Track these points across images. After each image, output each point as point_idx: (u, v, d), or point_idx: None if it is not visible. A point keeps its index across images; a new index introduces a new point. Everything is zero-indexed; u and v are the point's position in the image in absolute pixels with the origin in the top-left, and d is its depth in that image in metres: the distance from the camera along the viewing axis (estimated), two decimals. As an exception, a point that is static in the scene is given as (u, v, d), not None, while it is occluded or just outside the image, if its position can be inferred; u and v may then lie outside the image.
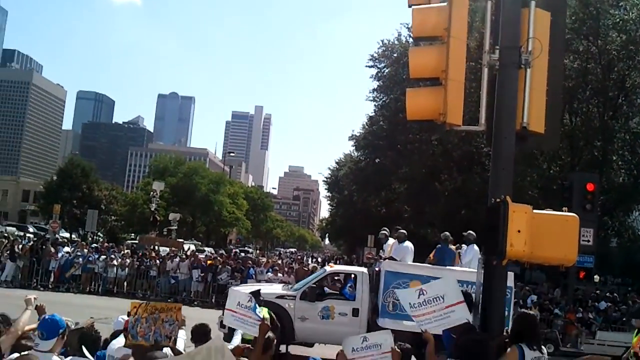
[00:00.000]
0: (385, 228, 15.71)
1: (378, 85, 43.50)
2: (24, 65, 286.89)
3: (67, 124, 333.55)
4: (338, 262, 44.40)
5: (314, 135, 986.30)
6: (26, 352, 4.93)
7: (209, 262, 26.10)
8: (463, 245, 14.10)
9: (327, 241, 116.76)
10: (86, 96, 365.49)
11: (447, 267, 12.93)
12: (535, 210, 5.52)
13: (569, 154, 32.46)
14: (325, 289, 14.28)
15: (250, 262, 27.27)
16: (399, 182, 40.39)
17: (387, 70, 42.23)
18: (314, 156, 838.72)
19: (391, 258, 13.93)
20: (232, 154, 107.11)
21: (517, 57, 6.17)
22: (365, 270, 14.18)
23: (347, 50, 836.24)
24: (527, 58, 6.18)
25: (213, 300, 23.82)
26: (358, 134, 48.59)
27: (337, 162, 62.86)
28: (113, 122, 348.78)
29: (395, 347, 5.24)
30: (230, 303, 5.88)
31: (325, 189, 66.89)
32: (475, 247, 13.55)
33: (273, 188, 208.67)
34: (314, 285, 13.87)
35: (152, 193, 42.40)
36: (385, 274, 12.87)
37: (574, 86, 30.80)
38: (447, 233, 14.95)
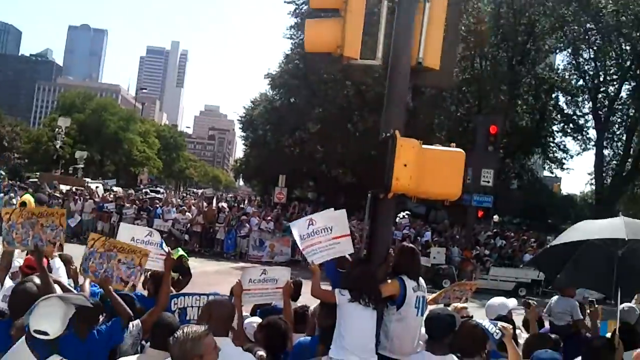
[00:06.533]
0: None
1: (295, 23, 42.61)
2: None
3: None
4: (251, 202, 44.08)
5: (231, 74, 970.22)
6: None
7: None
8: None
9: (241, 182, 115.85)
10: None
11: None
12: (424, 146, 5.45)
13: (476, 97, 33.30)
14: None
15: (157, 201, 26.87)
16: (313, 122, 40.24)
17: (305, 7, 41.35)
18: (231, 95, 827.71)
19: None
20: (144, 90, 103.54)
21: (416, -11, 5.99)
22: None
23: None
24: (427, -9, 6.02)
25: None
26: (274, 73, 47.71)
27: (252, 102, 61.51)
28: (19, 54, 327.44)
29: (291, 282, 5.44)
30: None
31: (240, 128, 65.66)
32: None
33: (187, 127, 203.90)
34: None
35: (57, 130, 40.74)
36: None
37: (485, 30, 31.41)
38: None
